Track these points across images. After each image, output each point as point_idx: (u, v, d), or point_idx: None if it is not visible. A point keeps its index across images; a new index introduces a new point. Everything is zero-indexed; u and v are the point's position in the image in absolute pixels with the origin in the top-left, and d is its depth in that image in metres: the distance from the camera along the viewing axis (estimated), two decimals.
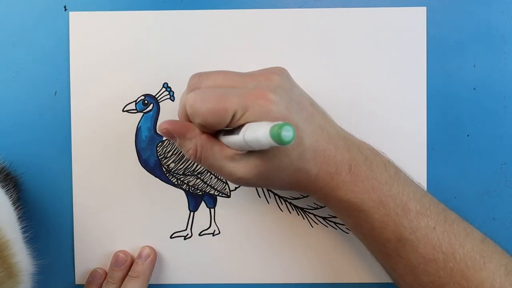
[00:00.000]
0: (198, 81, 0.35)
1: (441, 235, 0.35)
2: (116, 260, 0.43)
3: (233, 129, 0.33)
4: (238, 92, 0.33)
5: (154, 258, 0.44)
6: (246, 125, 0.32)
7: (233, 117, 0.33)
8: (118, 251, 0.44)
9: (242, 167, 0.34)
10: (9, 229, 0.36)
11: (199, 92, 0.34)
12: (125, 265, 0.43)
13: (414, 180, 0.38)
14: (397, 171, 0.37)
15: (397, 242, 0.35)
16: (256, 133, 0.30)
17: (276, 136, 0.28)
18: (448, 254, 0.35)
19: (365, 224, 0.36)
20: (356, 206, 0.35)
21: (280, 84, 0.34)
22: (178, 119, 0.37)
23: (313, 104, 0.37)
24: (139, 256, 0.43)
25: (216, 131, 0.35)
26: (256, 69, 0.37)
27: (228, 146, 0.34)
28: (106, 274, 0.44)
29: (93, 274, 0.44)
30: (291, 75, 0.37)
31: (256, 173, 0.34)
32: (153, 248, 0.44)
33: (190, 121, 0.35)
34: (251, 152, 0.34)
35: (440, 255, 0.35)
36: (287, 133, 0.28)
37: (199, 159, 0.35)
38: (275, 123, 0.28)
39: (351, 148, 0.36)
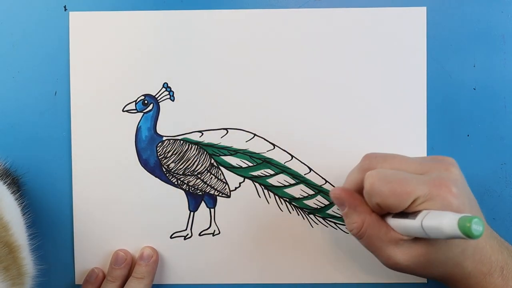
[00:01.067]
0: (373, 162, 0.36)
1: None
2: (116, 259, 0.43)
3: (405, 213, 0.34)
4: (421, 179, 0.34)
5: (156, 258, 0.44)
6: (424, 211, 0.32)
7: (412, 202, 0.33)
8: (118, 250, 0.44)
9: (404, 254, 0.34)
10: (20, 235, 0.37)
11: (380, 172, 0.34)
12: (125, 263, 0.43)
13: None
14: None
15: None
16: (441, 221, 0.30)
17: (465, 228, 0.28)
18: None
19: None
20: None
21: (458, 178, 0.35)
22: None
23: (474, 199, 0.37)
24: (141, 257, 0.43)
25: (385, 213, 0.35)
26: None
27: (393, 229, 0.35)
28: (104, 274, 0.44)
29: (90, 274, 0.44)
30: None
31: (416, 262, 0.34)
32: (154, 248, 0.44)
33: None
34: (416, 240, 0.34)
35: None
36: (477, 227, 0.28)
37: (361, 235, 0.36)
38: (464, 215, 0.29)
39: (503, 250, 0.36)
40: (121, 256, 0.44)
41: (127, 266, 0.44)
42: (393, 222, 0.35)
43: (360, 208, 0.36)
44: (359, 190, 0.37)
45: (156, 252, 0.44)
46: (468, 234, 0.28)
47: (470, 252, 0.35)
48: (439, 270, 0.35)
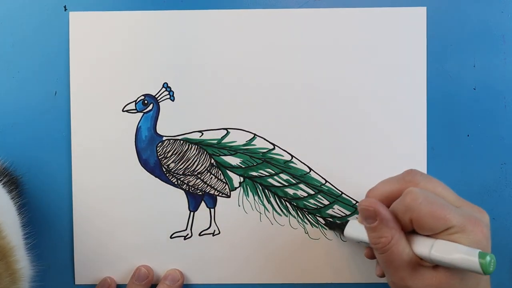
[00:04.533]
0: (417, 178, 0.36)
1: None
2: (139, 275, 0.43)
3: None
4: (459, 211, 0.34)
5: (182, 283, 0.44)
6: (437, 241, 0.34)
7: (445, 229, 0.33)
8: (141, 266, 0.44)
9: (419, 279, 0.34)
10: (15, 235, 0.36)
11: (424, 191, 0.34)
12: (147, 281, 0.43)
13: None
14: None
15: None
16: (455, 250, 0.32)
17: (486, 264, 0.31)
18: None
19: None
20: None
21: (488, 223, 0.36)
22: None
23: None
24: (167, 277, 0.43)
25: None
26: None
27: (414, 253, 0.35)
28: (115, 284, 0.44)
29: (102, 283, 0.44)
30: None
31: None
32: (181, 272, 0.44)
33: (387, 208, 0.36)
34: (435, 268, 0.34)
35: None
36: (493, 265, 0.31)
37: (386, 250, 0.35)
38: (486, 253, 0.32)
39: None
40: (143, 273, 0.43)
41: (148, 284, 0.43)
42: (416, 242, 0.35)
43: (392, 224, 0.35)
44: (389, 201, 0.37)
45: (183, 276, 0.44)
46: (485, 269, 0.31)
47: (483, 285, 0.35)
48: None
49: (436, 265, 0.34)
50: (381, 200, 0.36)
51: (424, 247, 0.34)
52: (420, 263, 0.35)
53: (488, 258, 0.31)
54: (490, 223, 0.36)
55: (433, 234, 0.34)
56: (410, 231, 0.35)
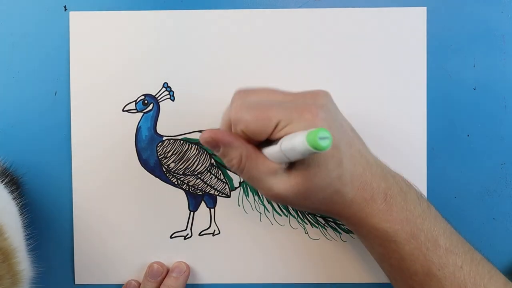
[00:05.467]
0: (243, 95, 0.36)
1: (467, 274, 0.35)
2: (151, 271, 0.43)
3: (273, 141, 0.34)
4: (284, 105, 0.34)
5: (188, 274, 0.44)
6: (285, 136, 0.33)
7: (275, 127, 0.33)
8: (154, 262, 0.44)
9: (282, 184, 0.34)
10: (16, 236, 0.36)
11: (244, 101, 0.35)
12: (161, 277, 0.43)
13: (442, 216, 0.38)
14: (429, 206, 0.37)
15: (424, 276, 0.35)
16: (293, 140, 0.30)
17: (313, 141, 0.28)
18: None
19: (394, 255, 0.36)
20: (389, 236, 0.35)
21: (326, 104, 0.35)
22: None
23: (353, 130, 0.37)
24: (173, 270, 0.44)
25: (258, 144, 0.35)
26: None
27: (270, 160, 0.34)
28: (138, 285, 0.44)
29: (128, 286, 0.44)
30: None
31: (295, 191, 0.34)
32: (186, 263, 0.44)
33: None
34: (292, 169, 0.34)
35: None
36: (324, 139, 0.28)
37: (242, 168, 0.35)
38: (312, 129, 0.28)
39: (387, 178, 0.36)
40: (156, 269, 0.44)
41: (162, 280, 0.44)
42: (265, 152, 0.35)
43: (236, 143, 0.35)
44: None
45: (189, 268, 0.44)
46: (315, 147, 0.28)
47: (347, 178, 0.35)
48: (319, 198, 0.35)
49: (291, 166, 0.34)
50: (228, 130, 0.36)
51: (273, 149, 0.33)
52: (277, 166, 0.34)
53: (314, 133, 0.28)
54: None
55: (271, 137, 0.34)
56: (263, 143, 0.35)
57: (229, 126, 0.36)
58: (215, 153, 0.37)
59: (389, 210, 0.35)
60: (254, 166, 0.35)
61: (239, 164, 0.35)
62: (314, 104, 0.34)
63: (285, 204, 0.35)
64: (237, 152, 0.35)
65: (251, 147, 0.35)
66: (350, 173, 0.35)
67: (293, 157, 0.32)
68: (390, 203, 0.35)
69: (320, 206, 0.36)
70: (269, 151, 0.34)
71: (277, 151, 0.33)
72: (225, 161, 0.36)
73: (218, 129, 0.37)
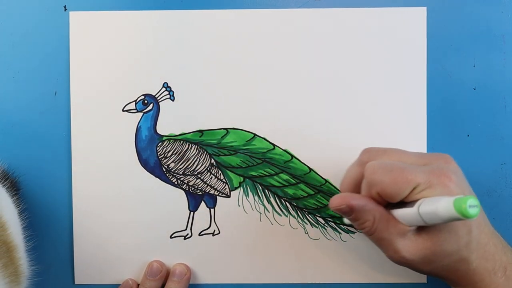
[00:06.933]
0: (373, 154, 0.36)
1: None
2: (151, 270, 0.43)
3: (405, 203, 0.34)
4: (421, 168, 0.34)
5: (189, 276, 0.44)
6: (422, 199, 0.33)
7: (412, 190, 0.33)
8: (153, 261, 0.44)
9: (409, 247, 0.34)
10: (18, 235, 0.37)
11: (381, 162, 0.35)
12: (160, 275, 0.43)
13: None
14: None
15: None
16: (436, 205, 0.30)
17: (461, 208, 0.28)
18: None
19: None
20: None
21: (457, 170, 0.36)
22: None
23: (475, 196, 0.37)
24: (174, 273, 0.43)
25: (387, 205, 0.35)
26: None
27: (400, 221, 0.35)
28: (136, 284, 0.44)
29: (124, 285, 0.44)
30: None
31: (422, 255, 0.34)
32: (187, 265, 0.44)
33: (358, 193, 0.36)
34: (422, 232, 0.34)
35: None
36: (473, 206, 0.28)
37: (374, 230, 0.35)
38: (459, 196, 0.29)
39: (506, 251, 0.36)
40: (155, 268, 0.43)
41: (162, 278, 0.43)
42: (396, 213, 0.35)
43: (369, 206, 0.35)
44: (358, 185, 0.37)
45: (189, 270, 0.44)
46: (464, 214, 0.28)
47: (474, 246, 0.35)
48: (444, 265, 0.35)
49: (420, 229, 0.34)
50: (352, 188, 0.37)
51: (408, 211, 0.33)
52: (407, 228, 0.34)
53: (463, 201, 0.29)
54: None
55: (405, 199, 0.34)
56: (393, 204, 0.35)
57: (355, 183, 0.36)
58: (344, 217, 0.37)
59: (507, 286, 0.35)
60: (385, 228, 0.35)
61: (372, 226, 0.35)
62: (448, 169, 0.34)
63: (409, 267, 0.36)
64: (370, 215, 0.35)
65: (382, 209, 0.35)
66: (476, 241, 0.35)
67: (432, 221, 0.32)
68: (508, 277, 0.35)
69: (441, 271, 0.36)
70: (401, 213, 0.34)
71: (412, 214, 0.33)
72: (356, 224, 0.36)
73: (347, 193, 0.36)
